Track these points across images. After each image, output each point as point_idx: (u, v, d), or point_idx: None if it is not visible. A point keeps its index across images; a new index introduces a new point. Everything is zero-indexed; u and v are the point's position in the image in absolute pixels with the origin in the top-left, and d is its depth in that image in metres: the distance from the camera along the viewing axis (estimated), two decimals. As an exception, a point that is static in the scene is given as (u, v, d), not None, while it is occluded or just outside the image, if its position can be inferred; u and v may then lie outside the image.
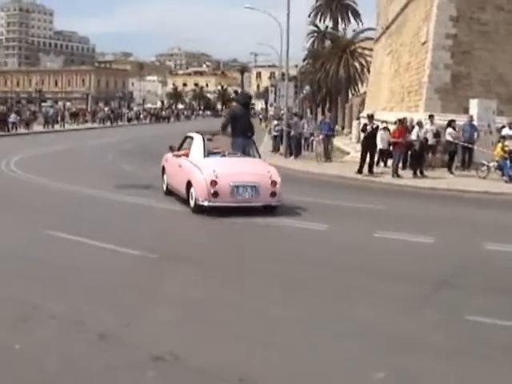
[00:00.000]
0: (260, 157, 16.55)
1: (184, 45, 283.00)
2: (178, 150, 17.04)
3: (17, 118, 52.90)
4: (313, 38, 78.85)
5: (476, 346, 6.69)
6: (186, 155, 16.02)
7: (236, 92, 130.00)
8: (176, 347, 6.27)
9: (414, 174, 23.46)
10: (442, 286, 8.96)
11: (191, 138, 16.60)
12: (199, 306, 7.78)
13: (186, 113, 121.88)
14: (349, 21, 75.61)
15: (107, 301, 7.87)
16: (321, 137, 30.56)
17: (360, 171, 23.83)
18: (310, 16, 77.43)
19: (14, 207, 15.23)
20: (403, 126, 23.96)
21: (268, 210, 14.61)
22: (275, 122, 36.95)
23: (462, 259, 10.84)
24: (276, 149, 35.41)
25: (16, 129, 51.24)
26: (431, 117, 25.15)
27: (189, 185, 14.82)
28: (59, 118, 63.10)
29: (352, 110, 58.63)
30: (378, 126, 24.64)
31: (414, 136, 23.77)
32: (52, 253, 10.39)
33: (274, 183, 14.54)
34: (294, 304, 7.93)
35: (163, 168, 17.74)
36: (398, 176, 23.17)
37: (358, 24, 75.14)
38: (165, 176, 17.53)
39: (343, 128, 58.76)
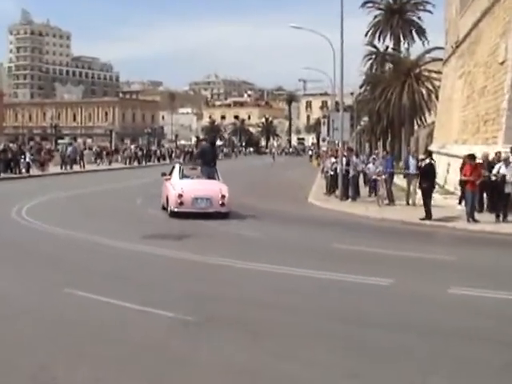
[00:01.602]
0: (219, 179, 25.60)
1: (222, 71, 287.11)
2: (169, 175, 26.24)
3: (30, 158, 53.63)
4: (371, 61, 78.95)
5: None
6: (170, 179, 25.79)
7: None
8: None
9: (497, 217, 23.18)
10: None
11: (174, 167, 26.82)
12: (251, 379, 7.66)
13: (224, 150, 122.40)
14: (412, 39, 75.59)
15: (136, 372, 7.80)
16: (383, 176, 30.53)
17: (427, 217, 23.63)
18: (366, 35, 77.60)
19: (29, 262, 15.37)
20: (476, 162, 23.68)
21: (220, 216, 23.45)
22: (332, 160, 36.47)
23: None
24: (331, 190, 34.97)
25: (29, 170, 51.83)
26: (515, 150, 24.88)
27: (167, 198, 24.71)
28: (78, 158, 63.24)
29: (418, 143, 58.39)
30: (431, 163, 24.34)
31: (494, 173, 23.38)
32: (72, 314, 10.40)
33: (223, 197, 23.84)
34: (361, 375, 7.78)
35: (161, 191, 26.82)
36: (475, 220, 22.91)
37: (423, 43, 75.07)
38: (162, 197, 26.52)
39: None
